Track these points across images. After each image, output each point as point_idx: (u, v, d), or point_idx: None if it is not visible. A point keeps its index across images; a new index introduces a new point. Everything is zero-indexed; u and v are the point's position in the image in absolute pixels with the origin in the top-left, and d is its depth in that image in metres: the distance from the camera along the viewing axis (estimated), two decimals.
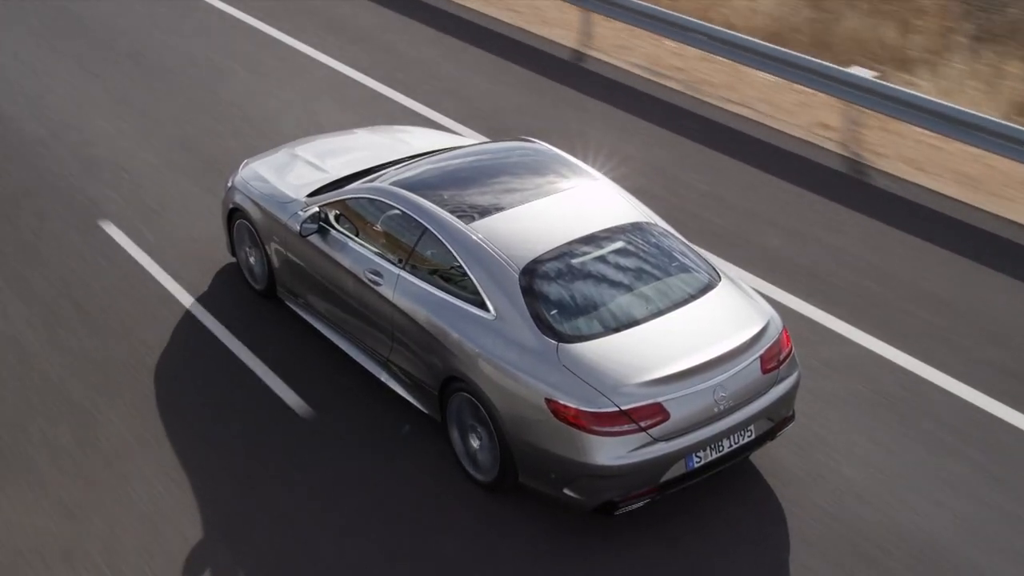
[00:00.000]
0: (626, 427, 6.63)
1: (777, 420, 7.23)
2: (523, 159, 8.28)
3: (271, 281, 9.09)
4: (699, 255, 7.66)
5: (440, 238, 7.52)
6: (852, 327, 8.86)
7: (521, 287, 7.11)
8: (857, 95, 11.64)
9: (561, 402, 6.67)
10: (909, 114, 11.27)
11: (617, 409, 6.62)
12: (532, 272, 7.19)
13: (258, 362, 8.56)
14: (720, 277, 7.52)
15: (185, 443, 7.77)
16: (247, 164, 9.49)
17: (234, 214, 9.27)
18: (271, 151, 9.75)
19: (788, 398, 7.23)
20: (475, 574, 6.78)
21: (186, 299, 9.26)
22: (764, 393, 7.08)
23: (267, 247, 8.90)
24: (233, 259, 9.75)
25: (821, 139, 11.79)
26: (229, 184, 9.41)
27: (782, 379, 7.20)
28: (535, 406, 6.76)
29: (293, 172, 9.21)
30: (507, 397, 6.89)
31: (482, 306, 7.19)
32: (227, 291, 9.37)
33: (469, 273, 7.31)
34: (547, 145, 8.55)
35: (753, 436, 7.08)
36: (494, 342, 7.03)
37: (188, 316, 9.08)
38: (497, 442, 7.03)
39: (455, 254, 7.41)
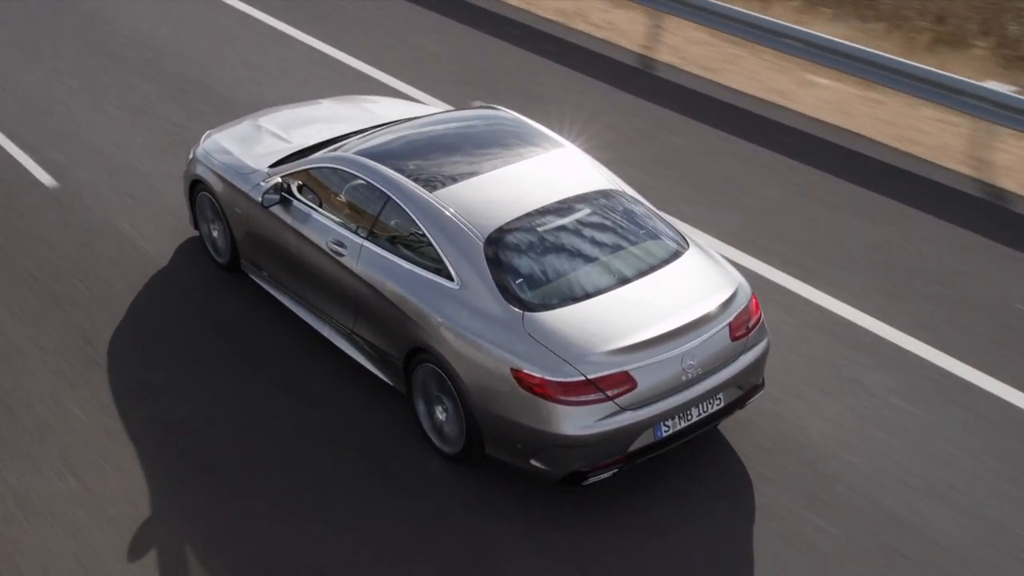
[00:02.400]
0: (592, 396, 6.53)
1: (746, 388, 7.14)
2: (488, 126, 8.14)
3: (234, 254, 8.93)
4: (667, 222, 7.55)
5: (403, 207, 7.38)
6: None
7: (486, 256, 6.98)
8: None
9: (526, 372, 6.56)
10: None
11: (583, 378, 6.51)
12: (497, 241, 7.06)
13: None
14: (688, 244, 7.40)
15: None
16: (209, 136, 9.31)
17: (196, 186, 9.10)
18: (234, 122, 9.58)
19: (757, 366, 7.14)
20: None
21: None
22: (733, 361, 6.99)
23: (230, 220, 8.73)
24: (196, 232, 9.58)
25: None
26: (191, 156, 9.23)
27: (751, 346, 7.10)
28: (500, 376, 6.65)
29: (256, 143, 9.03)
30: (472, 368, 6.77)
31: (446, 275, 7.06)
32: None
33: (433, 242, 7.17)
34: (513, 112, 8.40)
35: (722, 404, 6.99)
36: (458, 312, 6.90)
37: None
38: (463, 413, 6.92)
39: (418, 223, 7.27)
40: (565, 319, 6.73)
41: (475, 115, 8.35)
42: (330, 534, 6.75)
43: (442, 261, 7.10)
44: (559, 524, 6.82)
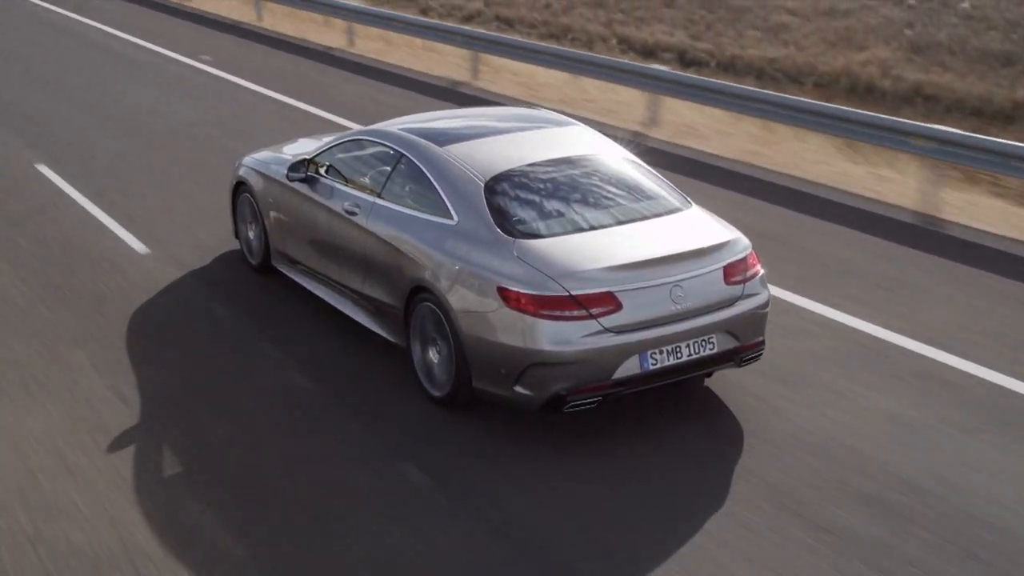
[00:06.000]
0: (575, 313, 6.49)
1: (744, 341, 6.99)
2: (520, 114, 8.39)
3: (266, 255, 9.20)
4: (673, 186, 7.64)
5: (412, 159, 7.62)
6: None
7: (485, 194, 7.15)
8: None
9: (511, 288, 6.59)
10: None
11: (566, 294, 6.50)
12: (497, 182, 7.23)
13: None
14: (691, 204, 7.47)
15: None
16: (259, 151, 9.71)
17: (239, 188, 9.49)
18: (291, 140, 9.97)
19: (754, 318, 7.02)
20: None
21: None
22: (728, 305, 6.90)
23: (262, 210, 9.03)
24: (236, 242, 9.89)
25: None
26: (236, 165, 9.65)
27: (748, 295, 7.01)
28: (488, 297, 6.68)
29: (303, 147, 9.36)
30: (462, 293, 6.83)
31: (446, 215, 7.22)
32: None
33: (437, 187, 7.36)
34: (554, 112, 8.64)
35: (715, 350, 6.85)
36: (454, 244, 7.02)
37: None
38: (452, 346, 6.91)
39: (425, 172, 7.49)
40: (555, 245, 6.81)
41: (515, 111, 8.58)
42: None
43: (443, 202, 7.27)
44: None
